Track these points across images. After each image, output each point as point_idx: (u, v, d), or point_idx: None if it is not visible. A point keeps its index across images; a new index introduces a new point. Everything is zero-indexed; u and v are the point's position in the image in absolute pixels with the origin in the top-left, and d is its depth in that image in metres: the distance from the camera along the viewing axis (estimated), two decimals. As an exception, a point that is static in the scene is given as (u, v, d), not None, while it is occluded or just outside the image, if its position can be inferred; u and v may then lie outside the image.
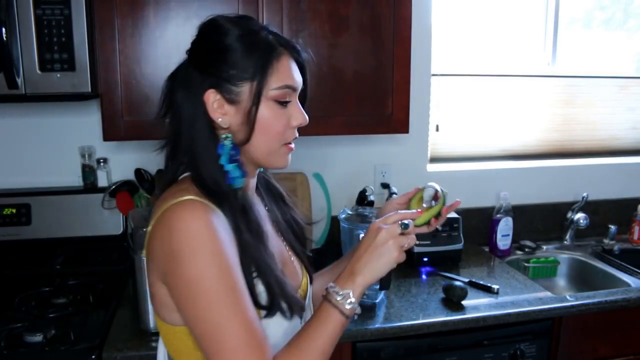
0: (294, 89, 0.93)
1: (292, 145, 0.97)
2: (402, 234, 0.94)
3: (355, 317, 0.93)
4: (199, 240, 0.84)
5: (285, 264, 1.06)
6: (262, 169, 1.08)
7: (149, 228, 0.90)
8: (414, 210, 1.02)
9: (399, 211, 1.00)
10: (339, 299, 0.90)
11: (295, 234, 1.14)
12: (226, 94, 0.90)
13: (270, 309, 0.92)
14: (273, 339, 0.92)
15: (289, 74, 0.92)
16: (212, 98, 0.91)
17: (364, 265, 0.92)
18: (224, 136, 0.92)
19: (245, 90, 0.90)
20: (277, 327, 0.95)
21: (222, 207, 0.90)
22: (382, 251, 0.92)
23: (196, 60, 0.93)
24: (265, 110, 0.91)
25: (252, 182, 1.03)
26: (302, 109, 0.96)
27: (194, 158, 0.92)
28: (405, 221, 0.95)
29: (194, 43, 0.96)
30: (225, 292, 0.84)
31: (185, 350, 0.93)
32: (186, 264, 0.83)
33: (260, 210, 1.05)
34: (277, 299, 0.92)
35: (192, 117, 0.91)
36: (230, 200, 0.91)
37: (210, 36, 0.93)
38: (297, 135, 0.97)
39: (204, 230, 0.84)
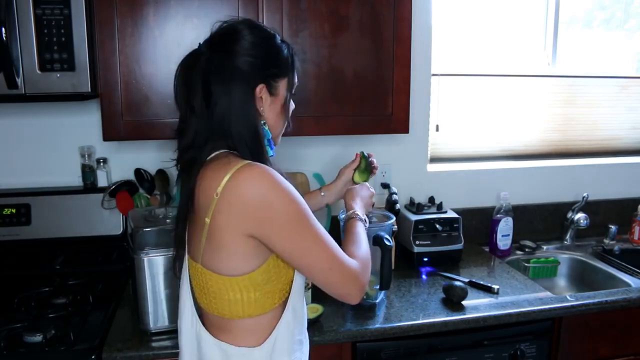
0: None
1: None
2: None
3: (366, 228, 1.28)
4: (282, 185, 1.02)
5: None
6: None
7: (217, 197, 1.01)
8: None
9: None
10: (358, 214, 1.30)
11: None
12: (270, 88, 1.10)
13: None
14: (302, 289, 1.16)
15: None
16: (260, 92, 1.09)
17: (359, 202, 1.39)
18: (263, 122, 1.10)
19: (282, 84, 1.12)
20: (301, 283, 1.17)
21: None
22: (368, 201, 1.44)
23: (242, 57, 1.06)
24: (290, 101, 1.17)
25: None
26: None
27: (242, 138, 1.06)
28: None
29: (234, 41, 1.07)
30: (313, 218, 1.06)
31: (234, 297, 1.06)
32: (281, 206, 1.01)
33: None
34: None
35: (244, 107, 1.06)
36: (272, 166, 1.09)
37: (257, 38, 1.09)
38: None
39: (280, 179, 1.03)
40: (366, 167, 1.53)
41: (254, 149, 1.06)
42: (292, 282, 1.11)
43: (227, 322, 1.09)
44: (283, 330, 1.10)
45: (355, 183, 1.52)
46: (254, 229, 1.02)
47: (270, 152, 1.12)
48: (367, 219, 1.31)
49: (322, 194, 1.54)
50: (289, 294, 1.11)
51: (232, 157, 1.05)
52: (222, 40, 1.08)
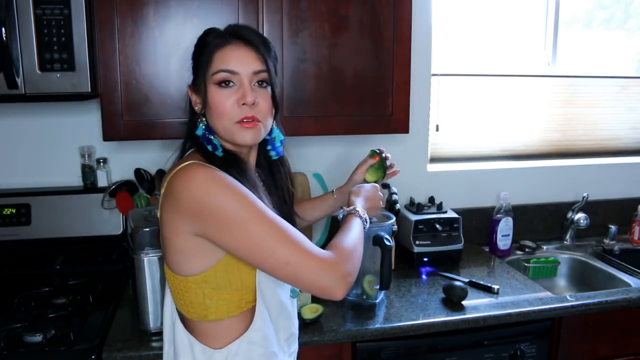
0: (231, 72, 1.07)
1: (248, 124, 1.08)
2: None
3: (366, 228, 1.21)
4: (216, 183, 1.00)
5: None
6: (273, 154, 1.24)
7: (162, 191, 1.06)
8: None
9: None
10: (358, 211, 1.23)
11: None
12: (194, 87, 1.12)
13: None
14: (280, 300, 1.12)
15: (227, 60, 1.07)
16: (190, 94, 1.14)
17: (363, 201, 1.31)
18: (199, 120, 1.12)
19: (201, 81, 1.09)
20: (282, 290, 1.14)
21: (218, 166, 1.06)
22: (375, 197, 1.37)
23: None
24: (212, 94, 1.08)
25: (251, 159, 1.19)
26: (249, 89, 1.07)
27: (193, 137, 1.14)
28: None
29: None
30: (261, 212, 1.00)
31: (195, 299, 1.06)
32: (216, 206, 0.98)
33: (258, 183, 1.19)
34: None
35: (190, 111, 1.16)
36: (223, 161, 1.08)
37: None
38: (249, 114, 1.08)
39: (215, 177, 1.01)
40: (380, 165, 1.49)
41: (199, 148, 1.11)
42: (254, 293, 1.07)
43: (187, 319, 1.11)
44: (246, 347, 1.08)
45: (366, 182, 1.46)
46: (191, 227, 1.01)
47: (217, 147, 1.10)
48: (368, 218, 1.23)
49: (335, 196, 1.51)
50: (255, 311, 1.08)
51: (190, 156, 1.10)
52: None
